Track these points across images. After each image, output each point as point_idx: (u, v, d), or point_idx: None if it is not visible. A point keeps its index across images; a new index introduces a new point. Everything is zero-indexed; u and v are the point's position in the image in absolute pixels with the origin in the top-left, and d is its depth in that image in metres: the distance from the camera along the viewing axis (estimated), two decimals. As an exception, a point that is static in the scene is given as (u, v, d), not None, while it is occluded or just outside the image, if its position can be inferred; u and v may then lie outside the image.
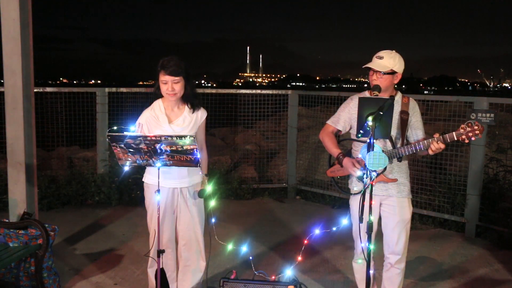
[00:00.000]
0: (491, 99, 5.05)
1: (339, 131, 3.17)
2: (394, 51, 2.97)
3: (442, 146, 2.78)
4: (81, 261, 4.29)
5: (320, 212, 6.01)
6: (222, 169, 6.83)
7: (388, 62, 2.91)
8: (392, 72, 2.93)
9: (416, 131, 3.06)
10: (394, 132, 2.97)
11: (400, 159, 2.99)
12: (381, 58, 2.92)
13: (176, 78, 2.99)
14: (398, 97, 3.04)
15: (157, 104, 3.13)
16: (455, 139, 2.74)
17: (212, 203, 3.07)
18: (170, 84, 2.99)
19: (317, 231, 3.29)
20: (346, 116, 3.12)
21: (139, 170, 5.67)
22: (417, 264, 4.37)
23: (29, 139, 3.86)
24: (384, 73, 2.90)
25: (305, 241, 3.27)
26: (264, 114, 6.91)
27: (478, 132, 2.70)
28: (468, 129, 2.70)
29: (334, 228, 3.22)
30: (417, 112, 3.08)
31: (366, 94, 3.07)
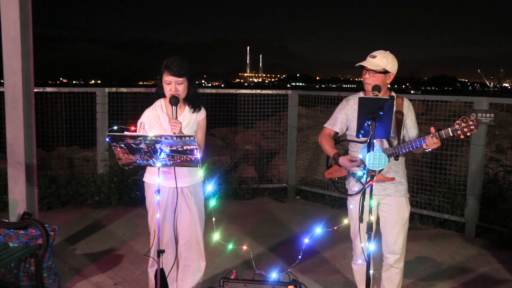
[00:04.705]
0: (491, 99, 5.05)
1: (337, 133, 3.18)
2: (388, 51, 2.98)
3: (436, 141, 2.78)
4: (81, 261, 4.29)
5: (320, 212, 6.01)
6: (222, 169, 6.83)
7: (381, 61, 2.91)
8: (385, 72, 2.93)
9: (410, 130, 3.08)
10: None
11: (397, 158, 3.00)
12: (374, 57, 2.94)
13: (180, 79, 2.99)
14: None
15: (159, 103, 3.14)
16: (451, 135, 2.74)
17: (213, 203, 3.08)
18: (174, 85, 2.99)
19: (318, 230, 3.29)
20: (343, 118, 3.13)
21: (138, 171, 5.68)
22: (417, 264, 4.37)
23: (29, 139, 3.86)
24: (377, 72, 2.91)
25: (306, 241, 3.27)
26: (264, 114, 6.91)
27: (473, 127, 2.70)
28: (463, 124, 2.71)
29: (335, 228, 3.23)
30: (411, 112, 3.09)
31: (361, 95, 3.07)
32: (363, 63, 2.95)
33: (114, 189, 6.06)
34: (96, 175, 6.29)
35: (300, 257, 3.44)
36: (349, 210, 3.16)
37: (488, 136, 5.44)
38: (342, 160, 3.01)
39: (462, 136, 2.72)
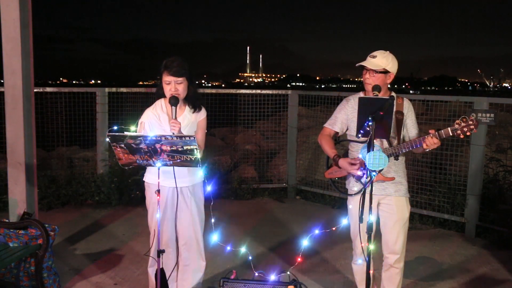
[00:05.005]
0: (491, 99, 5.05)
1: (337, 133, 3.18)
2: (388, 51, 2.99)
3: (436, 141, 2.78)
4: (81, 261, 4.29)
5: (320, 212, 6.01)
6: (222, 169, 6.83)
7: (381, 61, 2.92)
8: (385, 72, 2.94)
9: (411, 130, 3.08)
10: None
11: (397, 158, 3.00)
12: (374, 57, 2.95)
13: (179, 78, 3.00)
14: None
15: (159, 103, 3.14)
16: (450, 134, 2.74)
17: (212, 203, 3.07)
18: (173, 85, 3.00)
19: (317, 232, 3.29)
20: (342, 118, 3.13)
21: (139, 171, 5.68)
22: (417, 264, 4.37)
23: (29, 139, 3.86)
24: (377, 72, 2.91)
25: (305, 242, 3.27)
26: (264, 114, 6.91)
27: (473, 126, 2.70)
28: (463, 124, 2.71)
29: (334, 228, 3.23)
30: (411, 112, 3.10)
31: (361, 95, 3.08)
32: (363, 63, 2.95)
33: (114, 189, 6.06)
34: (96, 175, 6.29)
35: (299, 259, 3.44)
36: (349, 210, 3.17)
37: (488, 136, 5.44)
38: (342, 162, 3.01)
39: (462, 136, 2.72)
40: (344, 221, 3.14)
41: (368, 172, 2.54)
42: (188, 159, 2.68)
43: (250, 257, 3.80)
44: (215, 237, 3.16)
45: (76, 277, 3.94)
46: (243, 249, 3.97)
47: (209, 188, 3.15)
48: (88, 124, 6.44)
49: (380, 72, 2.92)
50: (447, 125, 2.80)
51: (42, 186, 5.79)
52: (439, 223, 5.47)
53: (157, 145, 2.63)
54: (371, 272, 2.61)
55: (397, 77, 3.11)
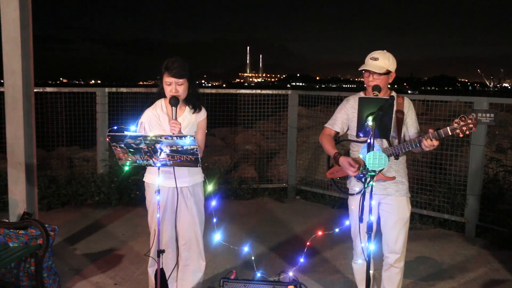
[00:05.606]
0: (491, 99, 5.05)
1: (337, 132, 3.18)
2: (385, 51, 2.99)
3: (435, 142, 2.78)
4: (81, 261, 4.29)
5: (320, 212, 6.01)
6: (222, 169, 6.83)
7: (383, 62, 2.92)
8: (387, 72, 2.94)
9: (411, 129, 3.08)
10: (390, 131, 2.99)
11: (397, 157, 3.00)
12: (376, 59, 2.94)
13: (180, 80, 2.99)
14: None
15: (159, 103, 3.14)
16: (450, 133, 2.74)
17: (213, 203, 3.07)
18: (174, 86, 2.99)
19: (319, 233, 3.30)
20: (343, 117, 3.14)
21: (139, 171, 5.68)
22: (417, 264, 4.37)
23: (29, 139, 3.87)
24: (381, 74, 2.92)
25: (308, 243, 3.27)
26: (264, 114, 6.91)
27: (472, 125, 2.69)
28: (462, 123, 2.70)
29: (337, 230, 3.23)
30: (412, 111, 3.10)
31: (362, 95, 3.08)
32: (367, 67, 2.94)
33: (114, 189, 6.06)
34: (96, 175, 6.29)
35: (302, 260, 3.45)
36: (350, 210, 3.17)
37: (488, 136, 5.43)
38: (343, 160, 3.01)
39: (461, 135, 2.72)
40: (347, 223, 3.14)
41: (368, 172, 2.54)
42: (188, 159, 2.68)
43: (252, 257, 3.81)
44: (217, 236, 3.16)
45: (76, 277, 3.94)
46: (245, 249, 3.98)
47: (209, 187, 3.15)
48: (88, 124, 6.44)
49: (384, 74, 2.93)
50: (447, 125, 2.79)
51: (42, 186, 5.80)
52: (439, 223, 5.47)
53: (157, 145, 2.63)
54: (371, 272, 2.61)
55: (397, 77, 3.12)
